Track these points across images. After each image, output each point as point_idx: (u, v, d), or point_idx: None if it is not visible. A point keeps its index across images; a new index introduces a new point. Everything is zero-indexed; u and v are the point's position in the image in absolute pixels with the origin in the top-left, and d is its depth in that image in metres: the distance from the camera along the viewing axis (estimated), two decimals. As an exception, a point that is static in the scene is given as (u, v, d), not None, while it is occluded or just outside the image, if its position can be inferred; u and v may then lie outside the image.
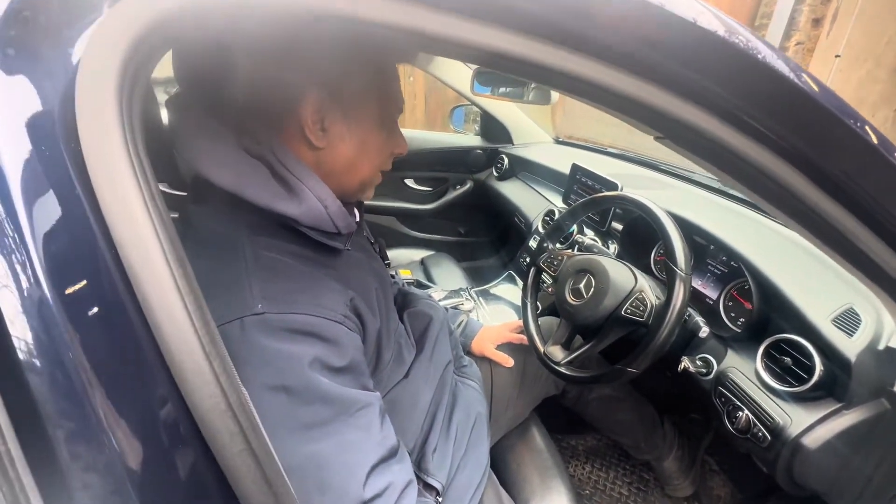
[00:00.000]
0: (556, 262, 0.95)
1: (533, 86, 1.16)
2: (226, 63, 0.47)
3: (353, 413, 0.48)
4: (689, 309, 0.76)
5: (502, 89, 1.28)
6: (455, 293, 1.39)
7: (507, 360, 0.97)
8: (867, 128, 0.42)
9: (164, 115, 0.61)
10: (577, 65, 0.37)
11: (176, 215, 0.57)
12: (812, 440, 0.68)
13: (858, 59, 2.80)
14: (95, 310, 0.29)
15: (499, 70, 0.41)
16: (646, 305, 0.75)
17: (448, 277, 1.56)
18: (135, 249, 0.28)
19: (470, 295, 1.38)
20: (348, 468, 0.46)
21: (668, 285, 0.72)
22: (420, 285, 1.42)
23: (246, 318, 0.44)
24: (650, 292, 0.77)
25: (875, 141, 0.42)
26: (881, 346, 0.66)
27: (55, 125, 0.28)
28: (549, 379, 1.00)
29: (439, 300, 1.36)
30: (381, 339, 0.61)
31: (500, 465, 0.90)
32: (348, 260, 0.60)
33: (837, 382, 0.69)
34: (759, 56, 0.37)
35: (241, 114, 0.50)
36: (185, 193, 0.60)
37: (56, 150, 0.28)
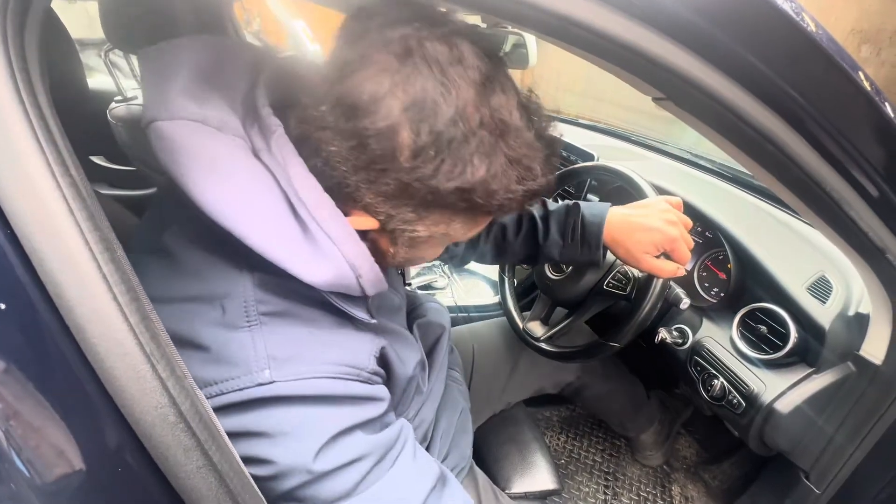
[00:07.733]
0: (533, 236, 0.92)
1: (507, 49, 1.09)
2: None
3: (388, 461, 0.42)
4: (669, 281, 0.75)
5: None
6: (428, 269, 1.34)
7: (678, 270, 0.64)
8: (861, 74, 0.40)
9: (99, 79, 0.52)
10: (570, 4, 0.32)
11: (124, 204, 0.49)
12: (784, 405, 0.70)
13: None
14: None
15: (480, 12, 0.36)
16: (628, 279, 0.74)
17: (419, 254, 1.51)
18: (38, 228, 0.22)
19: (443, 271, 1.34)
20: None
21: (650, 257, 0.71)
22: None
23: (251, 389, 0.36)
24: (632, 265, 0.75)
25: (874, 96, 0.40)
26: (851, 313, 0.67)
27: None
28: (542, 376, 0.96)
29: (413, 276, 1.31)
30: (410, 384, 0.54)
31: (481, 443, 0.88)
32: (378, 295, 0.48)
33: (810, 348, 0.71)
34: (782, 7, 0.34)
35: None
36: (128, 168, 0.51)
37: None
